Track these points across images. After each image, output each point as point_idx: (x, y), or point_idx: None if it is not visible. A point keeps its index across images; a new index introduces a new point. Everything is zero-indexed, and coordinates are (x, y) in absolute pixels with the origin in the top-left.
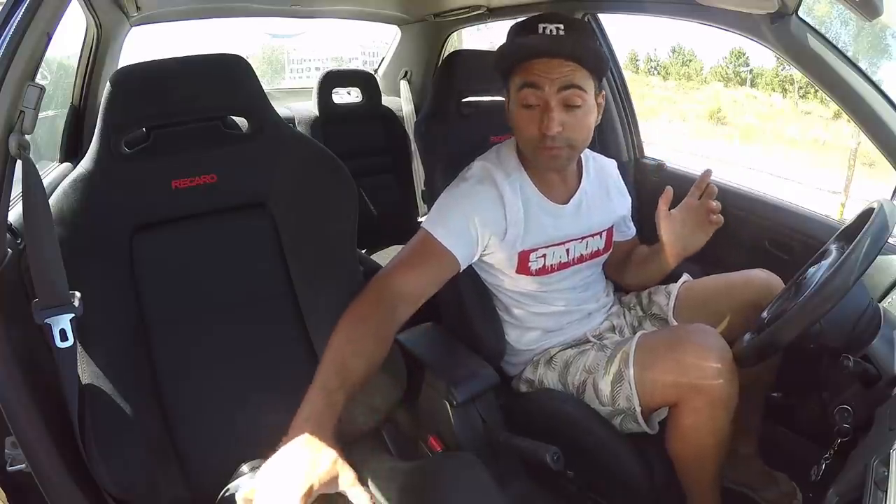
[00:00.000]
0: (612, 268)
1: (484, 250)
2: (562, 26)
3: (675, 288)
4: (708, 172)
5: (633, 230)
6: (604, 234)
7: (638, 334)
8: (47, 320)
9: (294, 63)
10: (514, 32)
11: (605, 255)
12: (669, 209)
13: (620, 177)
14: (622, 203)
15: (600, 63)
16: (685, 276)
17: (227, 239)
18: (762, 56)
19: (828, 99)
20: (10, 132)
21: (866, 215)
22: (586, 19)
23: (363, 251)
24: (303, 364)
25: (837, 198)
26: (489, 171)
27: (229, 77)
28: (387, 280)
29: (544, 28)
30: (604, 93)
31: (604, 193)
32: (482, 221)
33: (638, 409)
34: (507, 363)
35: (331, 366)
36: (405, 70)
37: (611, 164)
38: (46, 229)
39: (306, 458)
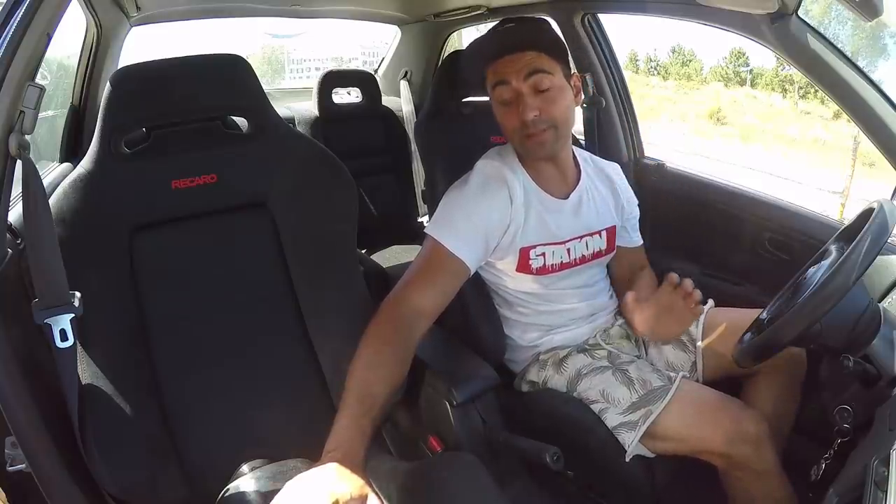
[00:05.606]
0: (616, 283)
1: (491, 252)
2: (513, 24)
3: (701, 314)
4: (673, 276)
5: (638, 239)
6: (604, 233)
7: (668, 397)
8: (47, 320)
9: (294, 63)
10: (474, 42)
11: (607, 256)
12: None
13: (624, 179)
14: (630, 206)
15: (557, 46)
16: (710, 303)
17: (227, 239)
18: (762, 56)
19: (828, 99)
20: (10, 132)
21: (866, 215)
22: (586, 20)
23: (363, 251)
24: (303, 364)
25: (837, 198)
26: (498, 169)
27: (229, 77)
28: (402, 299)
29: (498, 31)
30: (576, 74)
31: (605, 192)
32: (491, 224)
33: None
34: (509, 361)
35: (354, 393)
36: (405, 70)
37: (612, 167)
38: (46, 229)
39: (333, 477)
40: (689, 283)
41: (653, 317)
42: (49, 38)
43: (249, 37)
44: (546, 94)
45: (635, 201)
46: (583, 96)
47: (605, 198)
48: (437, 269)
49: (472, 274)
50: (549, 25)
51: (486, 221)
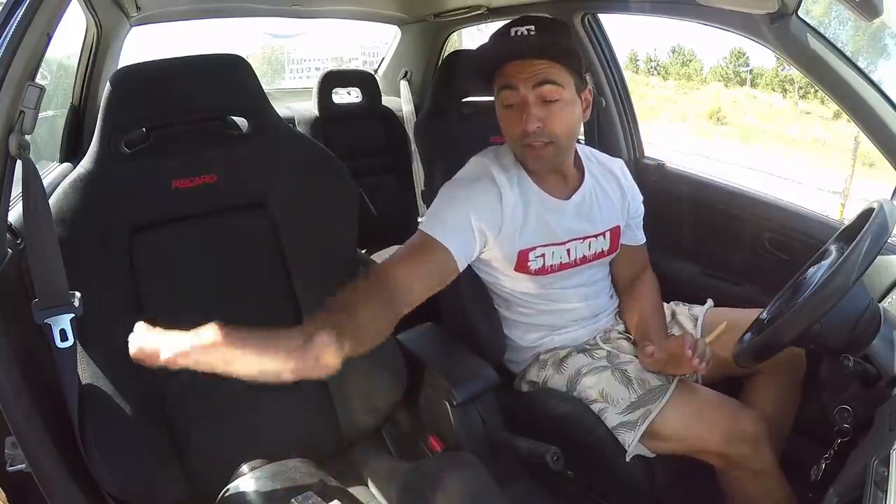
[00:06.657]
0: (617, 281)
1: (483, 248)
2: (532, 27)
3: (701, 312)
4: (687, 338)
5: (642, 237)
6: (608, 234)
7: (667, 397)
8: (47, 320)
9: (294, 63)
10: (490, 39)
11: (610, 256)
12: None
13: (629, 177)
14: (635, 204)
15: (573, 58)
16: (710, 302)
17: (227, 239)
18: (762, 56)
19: (828, 99)
20: (10, 132)
21: (866, 215)
22: (586, 20)
23: (363, 251)
24: None
25: (837, 198)
26: (486, 167)
27: (229, 77)
28: (384, 270)
29: (516, 32)
30: (589, 88)
31: (611, 191)
32: (480, 218)
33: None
34: (509, 361)
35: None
36: (405, 70)
37: (616, 164)
38: (46, 229)
39: None
40: (698, 344)
41: (662, 361)
42: (49, 38)
43: (249, 37)
44: (553, 105)
45: (640, 198)
46: (590, 111)
47: (610, 197)
48: (420, 253)
49: (460, 268)
50: (569, 32)
51: (473, 217)
